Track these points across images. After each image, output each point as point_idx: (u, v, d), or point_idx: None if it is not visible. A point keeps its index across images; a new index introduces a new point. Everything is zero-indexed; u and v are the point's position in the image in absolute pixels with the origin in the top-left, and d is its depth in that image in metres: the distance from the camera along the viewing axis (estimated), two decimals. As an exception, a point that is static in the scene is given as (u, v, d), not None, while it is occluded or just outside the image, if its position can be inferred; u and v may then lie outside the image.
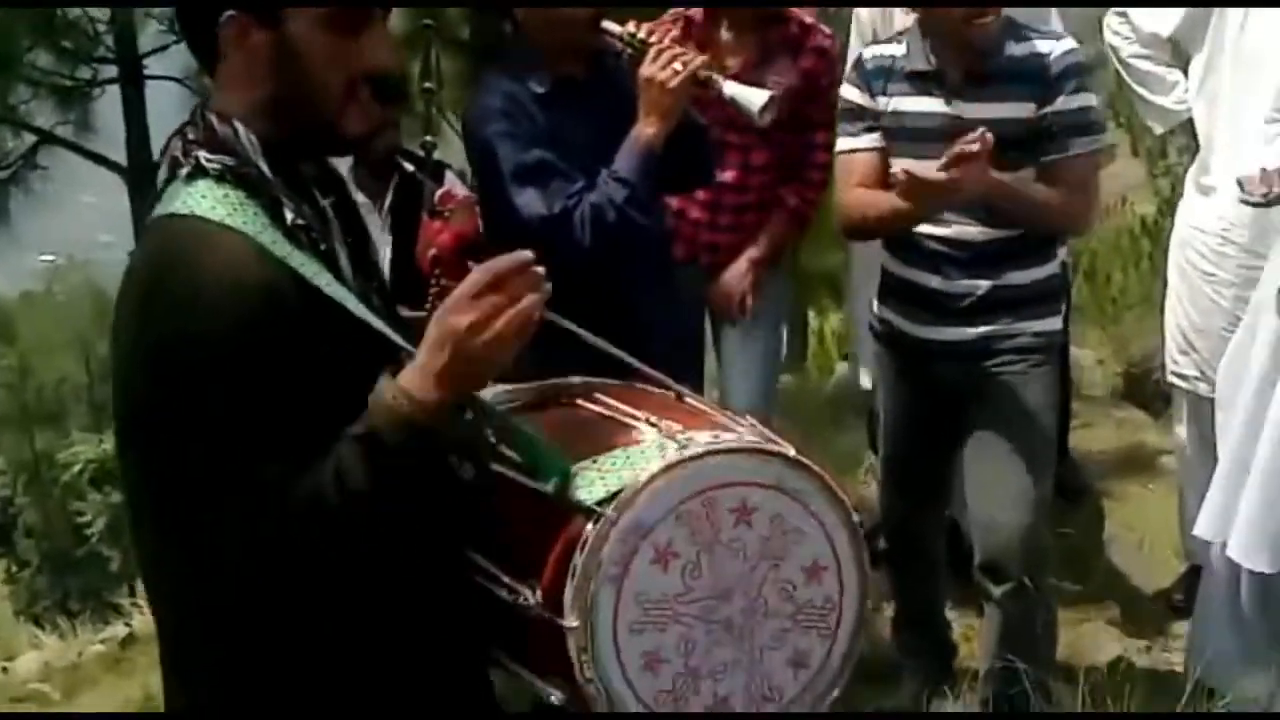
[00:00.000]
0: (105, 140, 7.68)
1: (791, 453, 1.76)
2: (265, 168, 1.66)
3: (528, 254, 1.59)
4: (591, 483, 1.71)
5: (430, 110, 5.13)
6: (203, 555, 1.57)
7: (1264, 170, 2.86)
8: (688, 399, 1.98)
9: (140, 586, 11.21)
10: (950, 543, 3.58)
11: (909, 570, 3.56)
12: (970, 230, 3.09)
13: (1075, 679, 3.30)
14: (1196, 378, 3.55)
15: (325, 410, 1.58)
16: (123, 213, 9.21)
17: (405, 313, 4.41)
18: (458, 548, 1.80)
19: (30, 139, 7.45)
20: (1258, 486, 2.94)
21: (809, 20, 3.71)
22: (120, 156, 7.52)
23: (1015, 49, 3.03)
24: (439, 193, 4.32)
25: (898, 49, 3.16)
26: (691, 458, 1.71)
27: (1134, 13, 3.74)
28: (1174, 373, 3.71)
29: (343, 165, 4.65)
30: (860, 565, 1.80)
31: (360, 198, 4.54)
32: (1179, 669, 3.54)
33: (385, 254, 4.56)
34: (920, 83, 3.10)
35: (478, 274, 1.57)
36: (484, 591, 1.78)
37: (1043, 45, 3.03)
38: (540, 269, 1.59)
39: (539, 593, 1.71)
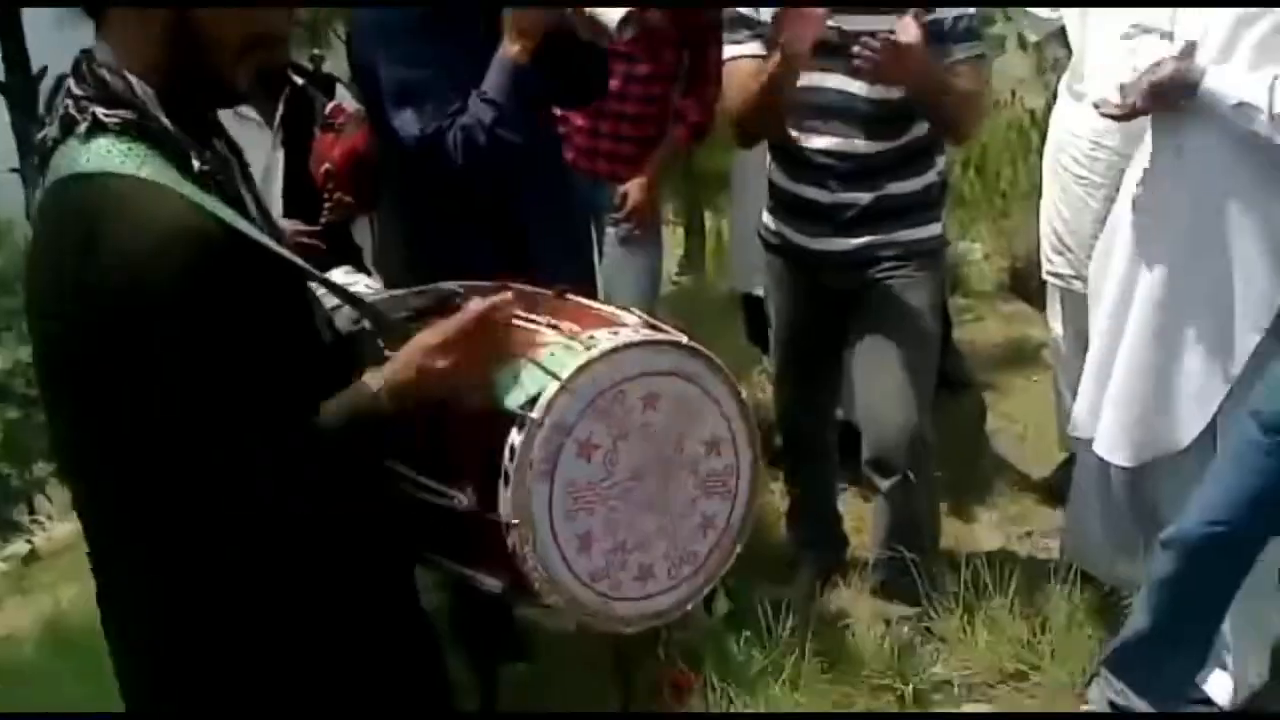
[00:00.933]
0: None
1: (685, 340, 1.91)
2: (165, 119, 1.65)
3: (505, 296, 1.82)
4: (510, 389, 1.83)
5: (317, 23, 5.11)
6: (196, 504, 1.62)
7: (1121, 86, 2.96)
8: (569, 296, 2.09)
9: (40, 504, 11.06)
10: (842, 438, 3.72)
11: (803, 465, 3.71)
12: (857, 143, 3.19)
13: (959, 566, 3.47)
14: (1071, 276, 3.69)
15: (269, 352, 1.66)
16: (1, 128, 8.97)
17: (299, 226, 4.43)
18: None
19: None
20: (1119, 384, 3.09)
21: None
22: (-1, 80, 7.32)
23: None
24: (329, 106, 4.33)
25: None
26: (600, 356, 1.83)
27: None
28: (1049, 271, 3.85)
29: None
30: (750, 434, 1.97)
31: (251, 113, 4.53)
32: (1056, 555, 3.73)
33: (279, 169, 4.54)
34: None
35: (463, 318, 1.77)
36: (407, 498, 1.89)
37: None
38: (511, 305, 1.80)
39: (470, 493, 1.83)
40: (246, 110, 4.55)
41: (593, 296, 3.21)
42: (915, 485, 3.27)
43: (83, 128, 1.62)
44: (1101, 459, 3.19)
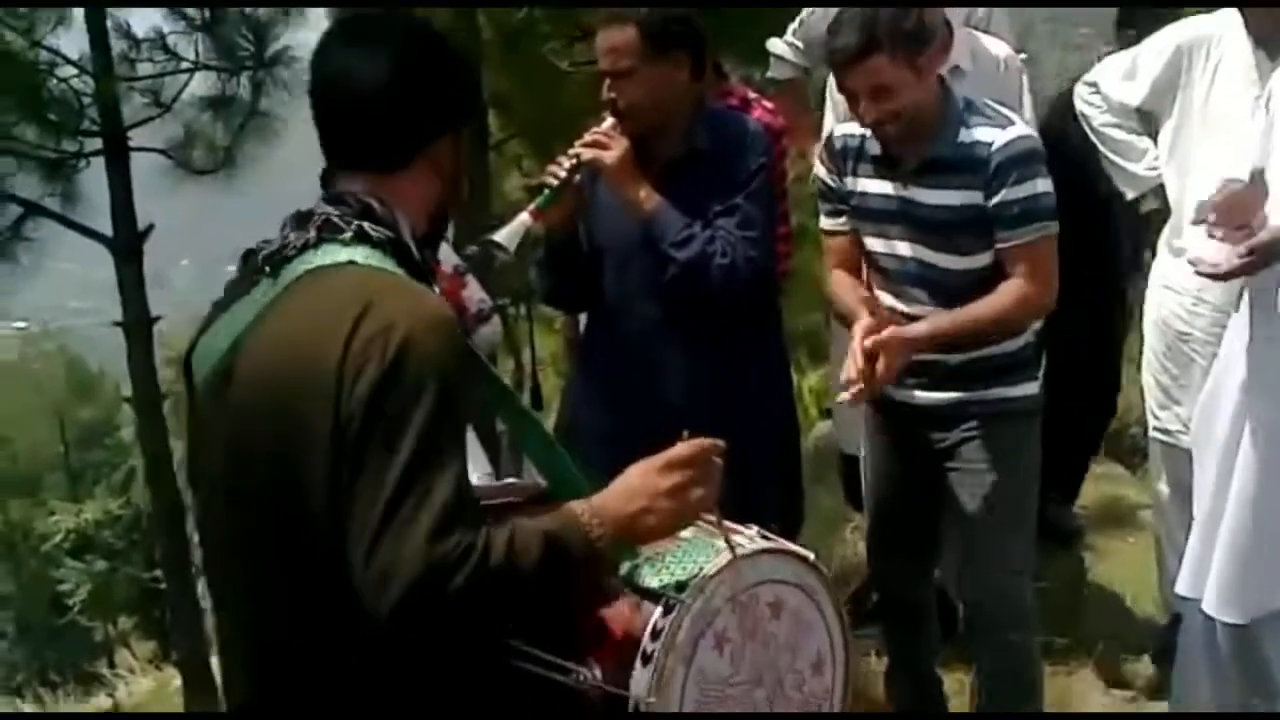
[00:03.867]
0: (90, 210, 7.73)
1: (810, 555, 2.01)
2: (415, 250, 1.86)
3: (720, 442, 1.86)
4: (658, 571, 1.90)
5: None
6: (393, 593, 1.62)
7: (1199, 204, 2.96)
8: None
9: (122, 658, 11.12)
10: (940, 598, 3.66)
11: (899, 627, 3.62)
12: (938, 309, 3.15)
13: (1063, 731, 3.38)
14: (1179, 431, 3.65)
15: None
16: (98, 281, 9.26)
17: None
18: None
19: (16, 210, 7.49)
20: (1227, 542, 3.03)
21: (751, 95, 3.81)
22: (105, 226, 7.57)
23: (964, 135, 3.05)
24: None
25: (864, 129, 3.17)
26: (746, 556, 1.92)
27: (1104, 83, 3.87)
28: (1155, 428, 3.80)
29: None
30: (848, 659, 2.04)
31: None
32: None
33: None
34: (878, 165, 3.17)
35: (686, 448, 1.84)
36: (527, 677, 1.88)
37: (988, 133, 3.03)
38: (719, 460, 1.86)
39: (598, 671, 1.85)
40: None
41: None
42: (1016, 650, 3.21)
43: (348, 235, 1.81)
44: (1207, 619, 3.11)
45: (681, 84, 3.19)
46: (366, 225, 1.81)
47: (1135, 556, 4.68)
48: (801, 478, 3.52)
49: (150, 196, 7.69)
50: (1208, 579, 3.08)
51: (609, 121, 3.14)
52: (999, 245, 3.06)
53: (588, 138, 3.13)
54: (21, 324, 31.84)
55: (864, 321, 3.02)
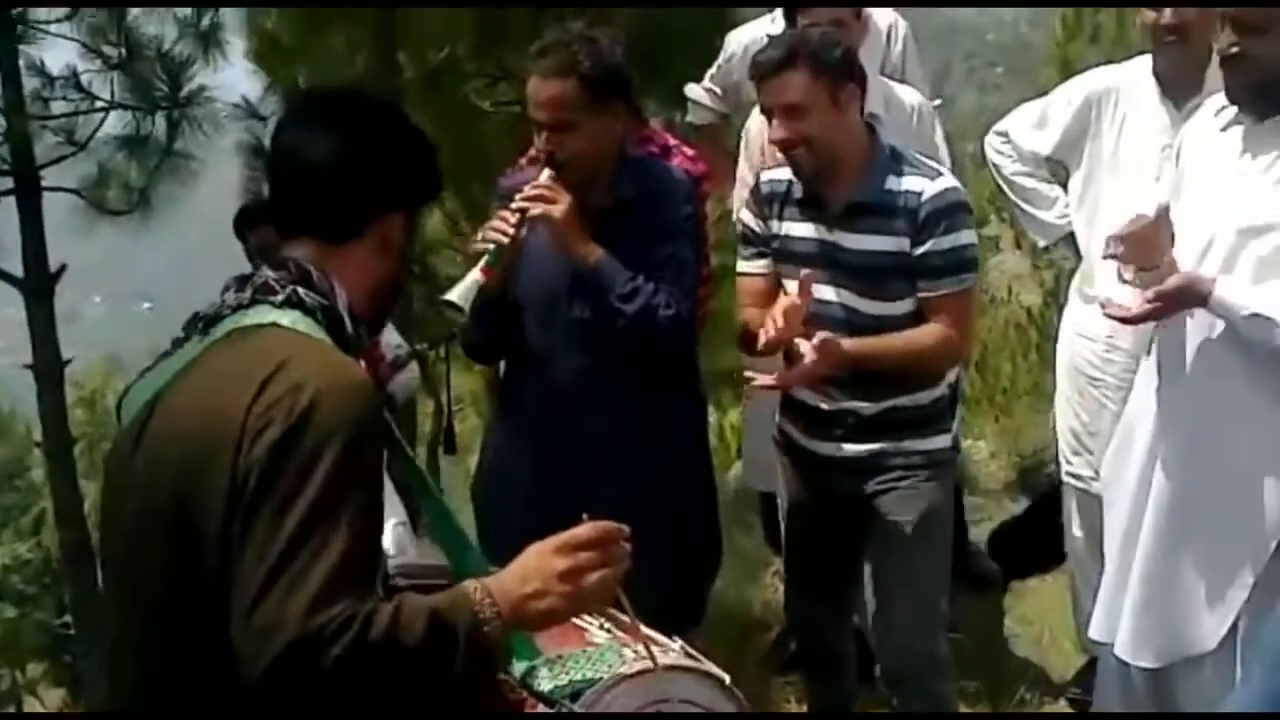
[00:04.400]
0: (0, 251, 7.58)
1: (727, 679, 1.95)
2: (349, 324, 1.86)
3: (625, 528, 1.81)
4: (555, 674, 1.86)
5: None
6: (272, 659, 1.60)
7: (1108, 239, 2.99)
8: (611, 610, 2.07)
9: (29, 704, 10.85)
10: (858, 640, 3.66)
11: (819, 674, 3.62)
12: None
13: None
14: (1090, 477, 3.68)
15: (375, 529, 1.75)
16: (9, 319, 9.09)
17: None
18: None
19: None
20: (1138, 587, 3.06)
21: (671, 141, 3.82)
22: (15, 268, 7.43)
23: (892, 182, 3.08)
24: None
25: (790, 174, 3.21)
26: (648, 670, 1.86)
27: (1015, 132, 3.92)
28: (1067, 473, 3.84)
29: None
30: None
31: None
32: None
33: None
34: (804, 209, 3.18)
35: (587, 529, 1.79)
36: None
37: (918, 183, 3.06)
38: (627, 545, 1.81)
39: None
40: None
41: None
42: (931, 699, 3.22)
43: (279, 298, 1.81)
44: (1122, 663, 3.14)
45: (618, 134, 3.19)
46: (301, 290, 1.82)
47: (1053, 595, 4.70)
48: (719, 522, 3.50)
49: (63, 235, 7.57)
50: (1120, 623, 3.11)
51: (546, 173, 3.10)
52: (922, 294, 3.09)
53: (530, 191, 3.08)
54: (-68, 363, 31.16)
55: (783, 301, 3.04)
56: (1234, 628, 2.95)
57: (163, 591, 1.76)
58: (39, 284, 7.32)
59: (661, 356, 3.22)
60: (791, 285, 3.21)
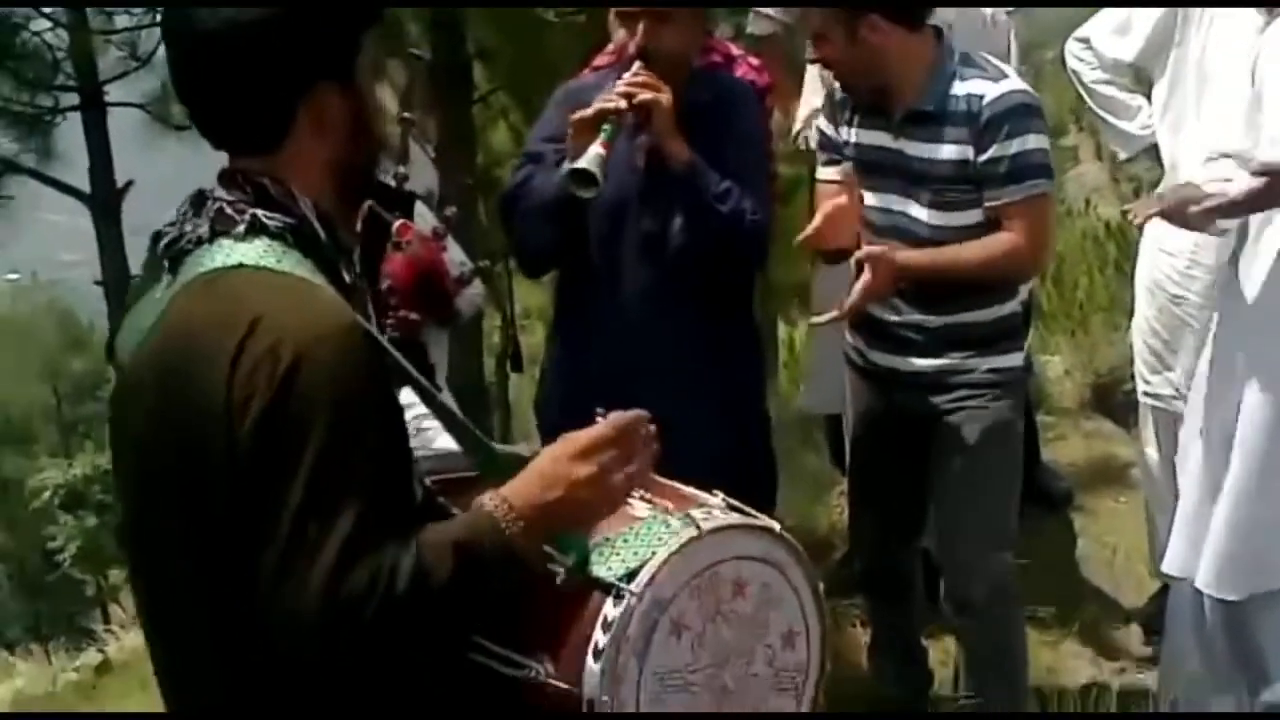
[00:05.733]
0: (67, 166, 7.61)
1: (777, 527, 1.88)
2: (322, 232, 1.68)
3: (645, 413, 1.73)
4: (607, 559, 1.78)
5: (406, 139, 5.12)
6: (294, 621, 1.52)
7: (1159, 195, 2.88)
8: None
9: (115, 612, 11.01)
10: (926, 568, 3.58)
11: (883, 597, 3.55)
12: None
13: (1050, 704, 3.31)
14: (1171, 396, 3.57)
15: (387, 471, 1.62)
16: (87, 231, 9.14)
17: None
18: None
19: (-7, 166, 7.37)
20: (1225, 516, 2.95)
21: (735, 51, 3.70)
22: (83, 182, 7.45)
23: (957, 88, 2.98)
24: (396, 225, 4.33)
25: None
26: (700, 535, 1.79)
27: (1096, 38, 3.76)
28: (1145, 392, 3.72)
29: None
30: (823, 631, 1.93)
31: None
32: (1154, 689, 3.55)
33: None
34: (871, 116, 3.11)
35: (605, 428, 1.69)
36: (479, 668, 1.78)
37: (980, 86, 2.96)
38: (653, 430, 1.72)
39: (549, 665, 1.75)
40: (323, 229, 4.59)
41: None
42: (998, 625, 3.15)
43: (241, 228, 1.64)
44: (1197, 593, 3.04)
45: (703, 33, 3.12)
46: (261, 214, 1.64)
47: (1128, 517, 4.60)
48: (774, 453, 3.42)
49: (130, 151, 7.56)
50: (1201, 555, 3.00)
51: (637, 65, 2.98)
52: (988, 204, 2.99)
53: (633, 78, 2.95)
54: (13, 275, 31.63)
55: (830, 203, 3.04)
56: None
57: (181, 573, 1.67)
58: (106, 199, 7.35)
59: (743, 264, 3.16)
60: (865, 196, 3.14)
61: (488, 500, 1.65)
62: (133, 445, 1.71)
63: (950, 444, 3.15)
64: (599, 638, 1.74)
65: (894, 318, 3.15)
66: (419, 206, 4.59)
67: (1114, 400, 5.77)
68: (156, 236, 1.73)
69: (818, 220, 3.02)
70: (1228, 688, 3.10)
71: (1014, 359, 3.17)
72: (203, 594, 1.65)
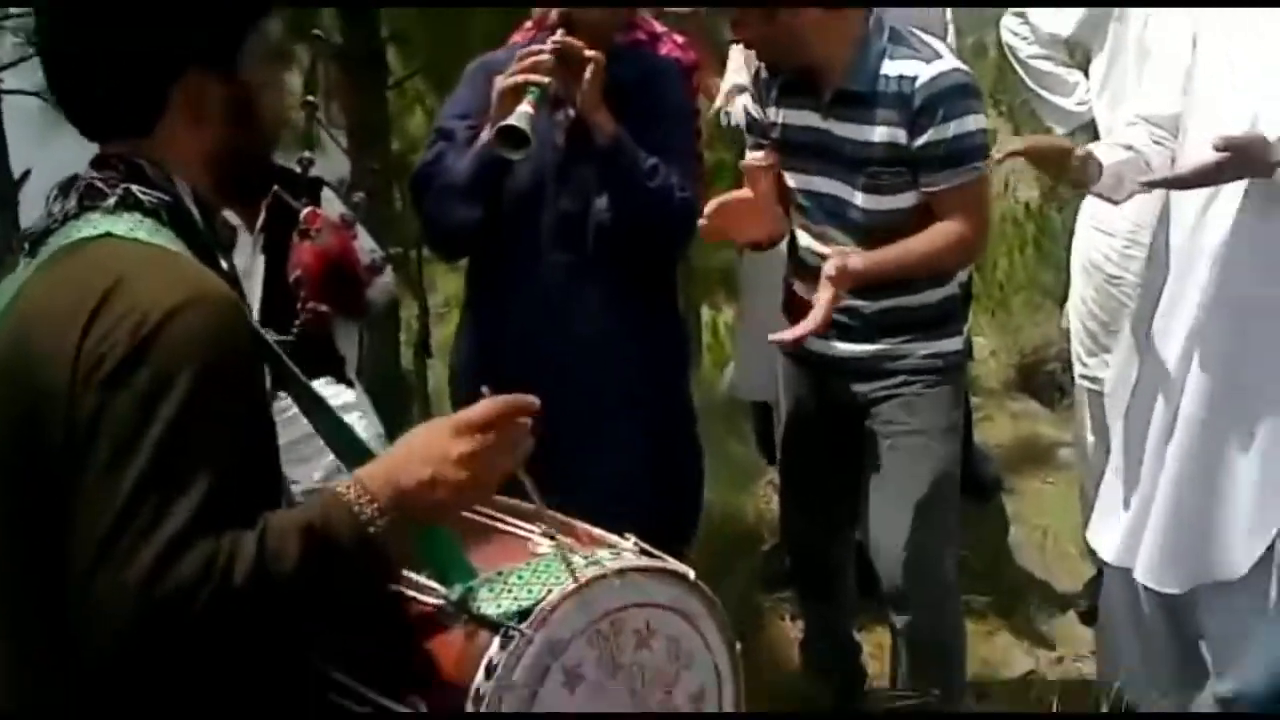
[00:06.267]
0: (-42, 155, 7.29)
1: (691, 575, 1.74)
2: (197, 214, 1.60)
3: (532, 398, 1.57)
4: (497, 595, 1.62)
5: (311, 124, 4.94)
6: (119, 605, 1.35)
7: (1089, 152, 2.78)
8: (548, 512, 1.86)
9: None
10: (859, 560, 3.47)
11: (814, 591, 3.44)
12: (849, 250, 2.96)
13: (987, 698, 3.22)
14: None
15: (248, 461, 1.48)
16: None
17: (272, 337, 4.27)
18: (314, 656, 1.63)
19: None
20: (1165, 506, 2.84)
21: (659, 29, 3.57)
22: (-24, 171, 7.15)
23: (888, 67, 2.85)
24: (305, 212, 4.16)
25: None
26: (601, 576, 1.64)
27: (1032, 13, 3.68)
28: (1082, 375, 3.65)
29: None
30: (736, 684, 1.79)
31: (233, 218, 4.36)
32: (1091, 678, 3.47)
33: (258, 275, 4.36)
34: (798, 96, 2.99)
35: (486, 406, 1.54)
36: (334, 708, 1.63)
37: (912, 66, 2.83)
38: (528, 420, 1.56)
39: (423, 710, 1.59)
40: (229, 215, 4.40)
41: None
42: (937, 620, 3.05)
43: (111, 201, 1.54)
44: (1133, 583, 2.95)
45: (627, 8, 3.04)
46: (135, 189, 1.54)
47: (1056, 499, 4.57)
48: (699, 439, 3.31)
49: (26, 142, 7.25)
50: (1140, 544, 2.90)
51: (560, 33, 2.85)
52: (925, 189, 2.87)
53: (559, 38, 2.83)
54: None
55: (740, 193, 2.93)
56: (1270, 550, 2.75)
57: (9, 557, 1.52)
58: (2, 190, 7.04)
59: (669, 244, 3.06)
60: (791, 178, 3.03)
61: (340, 482, 1.51)
62: None
63: (886, 434, 3.04)
64: (480, 683, 1.57)
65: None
66: (327, 193, 4.44)
67: (1038, 380, 5.74)
68: (21, 235, 1.63)
69: (709, 208, 2.88)
70: (1170, 678, 3.01)
71: (953, 343, 3.07)
72: (23, 587, 1.50)
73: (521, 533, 1.76)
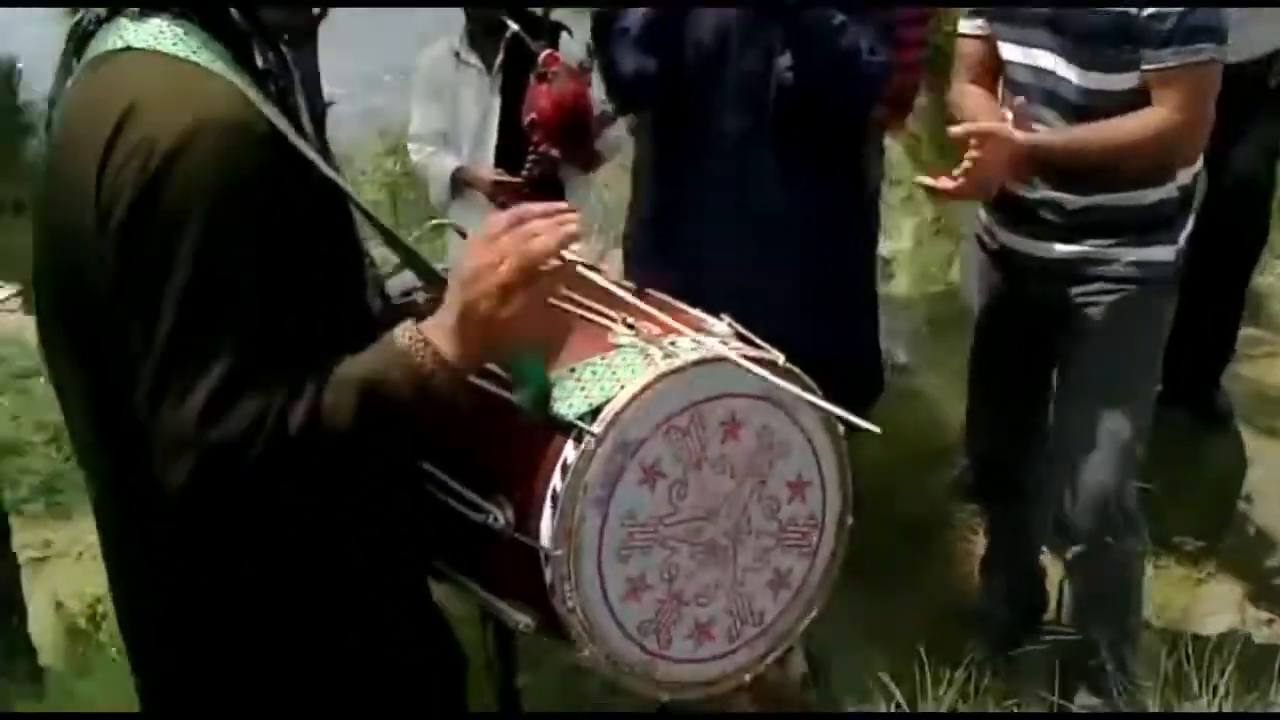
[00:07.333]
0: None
1: (781, 360, 1.64)
2: (236, 10, 1.47)
3: (562, 204, 1.47)
4: (570, 394, 1.56)
5: (551, -31, 4.83)
6: (177, 456, 1.33)
7: None
8: (652, 293, 1.81)
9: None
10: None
11: (999, 505, 3.20)
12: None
13: (1175, 651, 2.90)
14: None
15: (301, 291, 1.39)
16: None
17: (500, 175, 4.22)
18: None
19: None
20: None
21: None
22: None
23: None
24: (543, 54, 4.06)
25: None
26: (679, 369, 1.57)
27: None
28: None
29: (455, 23, 4.41)
30: (842, 479, 1.72)
31: (471, 59, 4.32)
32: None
33: (494, 116, 4.32)
34: None
35: (495, 217, 1.44)
36: (438, 505, 1.62)
37: None
38: (573, 220, 1.43)
39: (510, 512, 1.57)
40: (467, 55, 4.37)
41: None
42: (1108, 556, 2.76)
43: (136, 8, 1.44)
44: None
45: None
46: None
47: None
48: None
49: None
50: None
51: None
52: (1146, 66, 2.58)
53: None
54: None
55: (987, 125, 2.63)
56: None
57: (77, 393, 1.51)
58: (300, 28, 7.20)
59: (856, 107, 2.87)
60: (1008, 51, 2.76)
61: (400, 330, 1.41)
62: (34, 254, 1.53)
63: (1080, 342, 2.78)
64: (557, 485, 1.53)
65: (1028, 194, 2.76)
66: (565, 39, 4.33)
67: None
68: (73, 28, 1.54)
69: (966, 164, 2.60)
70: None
71: (1163, 252, 2.75)
72: (97, 413, 1.48)
73: (601, 319, 1.67)
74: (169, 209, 1.32)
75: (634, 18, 2.79)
